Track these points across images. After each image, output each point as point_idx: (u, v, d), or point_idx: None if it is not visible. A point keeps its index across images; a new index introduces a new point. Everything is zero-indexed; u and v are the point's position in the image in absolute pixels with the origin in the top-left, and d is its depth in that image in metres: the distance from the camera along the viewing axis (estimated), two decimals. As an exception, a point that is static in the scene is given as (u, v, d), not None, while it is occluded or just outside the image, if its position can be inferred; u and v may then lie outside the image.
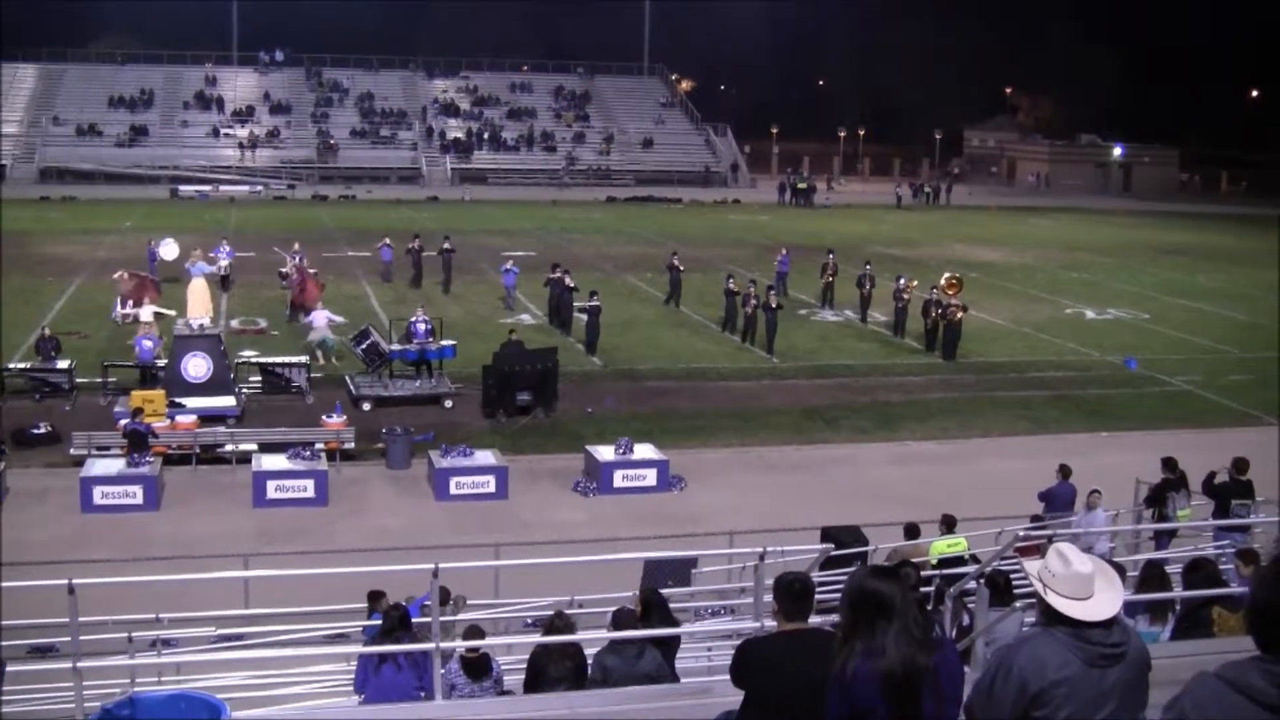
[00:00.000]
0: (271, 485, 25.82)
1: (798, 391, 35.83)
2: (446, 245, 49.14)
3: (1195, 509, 21.42)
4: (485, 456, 27.24)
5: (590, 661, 11.54)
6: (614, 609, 12.59)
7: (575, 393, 33.74)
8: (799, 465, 29.62)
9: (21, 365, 33.42)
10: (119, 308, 40.72)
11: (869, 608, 5.85)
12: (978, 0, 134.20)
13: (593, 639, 12.87)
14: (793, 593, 7.41)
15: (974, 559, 17.90)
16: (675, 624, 13.45)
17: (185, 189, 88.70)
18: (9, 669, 9.50)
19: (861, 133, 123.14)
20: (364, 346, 33.68)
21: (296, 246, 45.80)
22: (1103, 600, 5.65)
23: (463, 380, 33.76)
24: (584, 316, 38.64)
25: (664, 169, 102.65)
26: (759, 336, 39.68)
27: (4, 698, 8.29)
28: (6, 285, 48.33)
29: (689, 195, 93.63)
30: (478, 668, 11.68)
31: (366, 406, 32.06)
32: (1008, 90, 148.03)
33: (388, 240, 51.85)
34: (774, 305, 38.89)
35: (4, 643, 14.37)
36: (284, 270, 44.02)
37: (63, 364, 32.88)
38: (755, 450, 30.60)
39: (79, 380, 32.97)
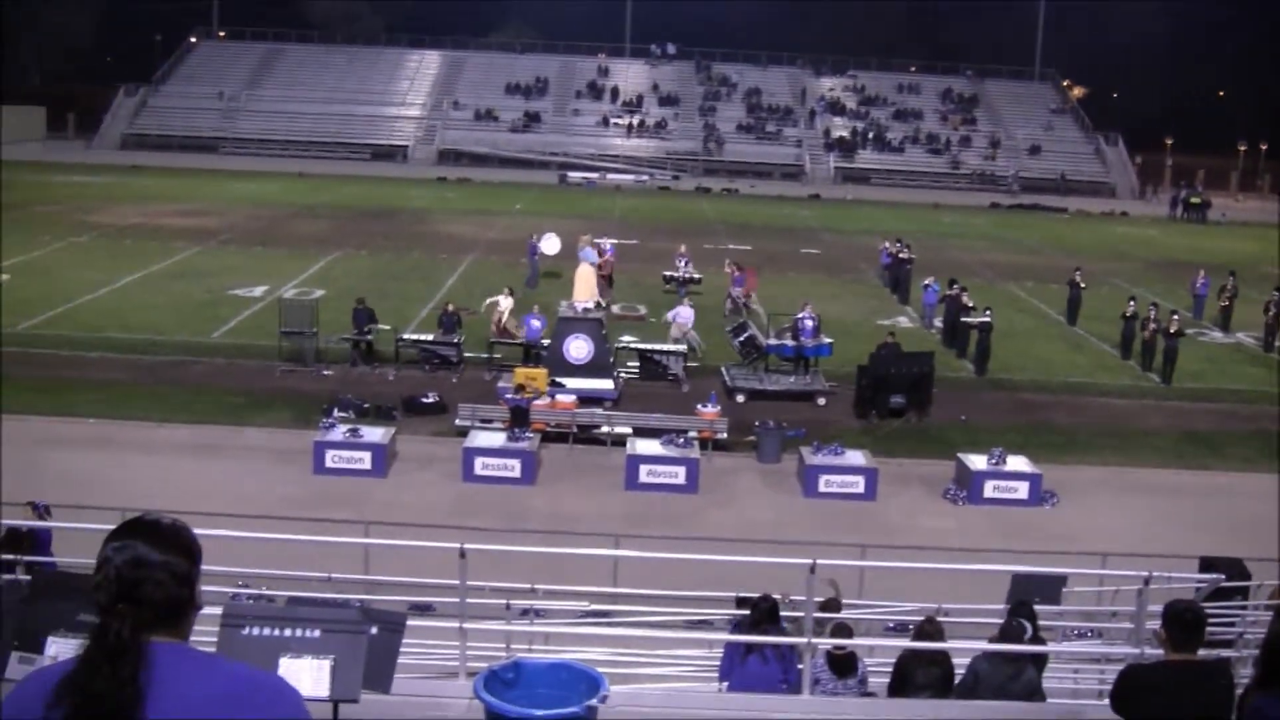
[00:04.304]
0: (644, 469, 26.26)
1: (1180, 414, 34.37)
2: (904, 254, 49.12)
3: None
4: (856, 457, 27.07)
5: (966, 667, 11.36)
6: (1003, 621, 12.35)
7: (949, 398, 33.26)
8: (1178, 490, 28.40)
9: (414, 337, 34.95)
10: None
11: None
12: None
13: (959, 649, 12.69)
14: (1184, 622, 7.16)
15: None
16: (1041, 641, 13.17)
17: (573, 175, 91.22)
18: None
19: (1263, 147, 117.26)
20: (741, 339, 33.96)
21: (683, 249, 46.30)
22: None
23: (837, 379, 33.66)
24: (974, 333, 37.73)
25: (1051, 176, 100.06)
26: (1156, 363, 37.70)
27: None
28: (407, 260, 50.71)
29: (1075, 205, 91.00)
30: (844, 665, 11.62)
31: (740, 398, 32.30)
32: None
33: (886, 244, 52.06)
34: (1173, 331, 36.85)
35: (389, 598, 15.11)
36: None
37: (453, 339, 34.20)
38: (1132, 471, 29.49)
39: (466, 354, 34.30)
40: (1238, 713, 6.74)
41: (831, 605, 15.00)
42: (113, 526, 3.82)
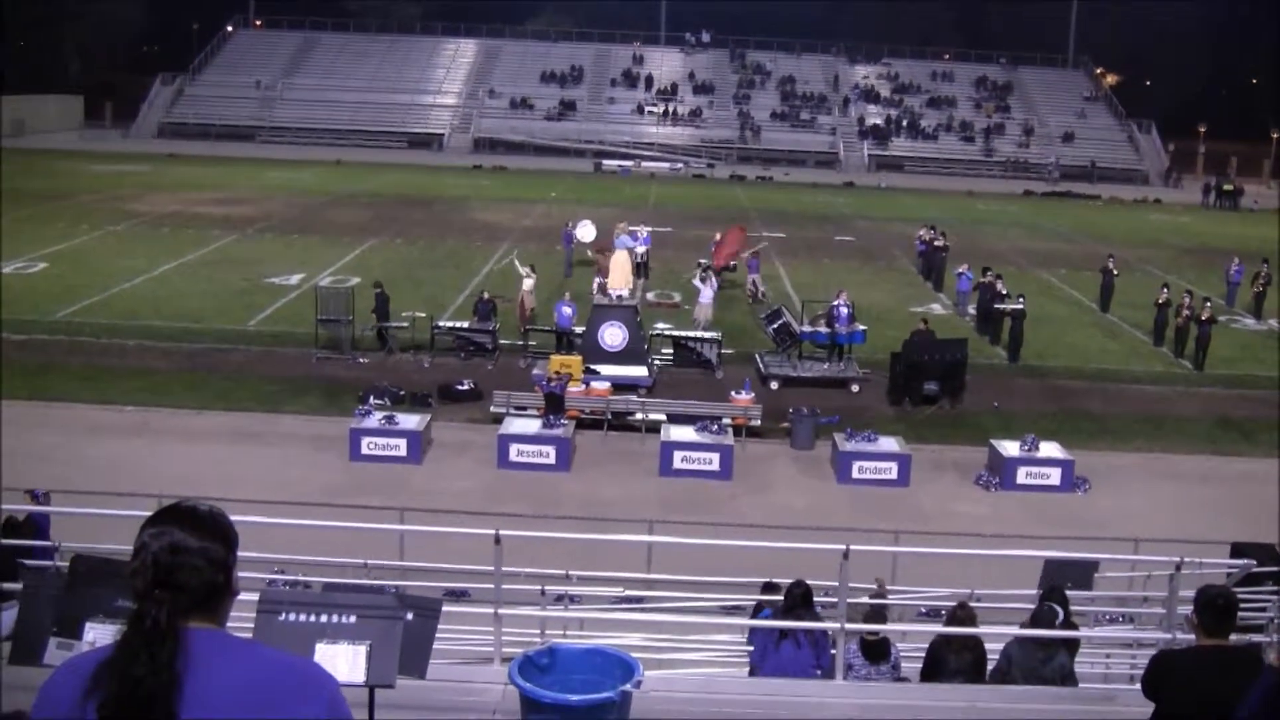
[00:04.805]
0: (678, 456, 26.27)
1: (1213, 400, 34.17)
2: (938, 242, 49.05)
3: None
4: (889, 443, 27.04)
5: (1000, 652, 11.36)
6: (1035, 606, 12.34)
7: (982, 385, 33.15)
8: (1209, 477, 28.25)
9: (450, 324, 35.00)
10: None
11: None
12: None
13: (992, 634, 12.67)
14: (1216, 608, 7.15)
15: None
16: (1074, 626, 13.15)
17: (608, 163, 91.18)
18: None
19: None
20: (775, 326, 33.94)
21: (718, 236, 46.08)
22: None
23: (871, 366, 33.63)
24: (1007, 320, 37.51)
25: (1084, 164, 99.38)
26: (1188, 350, 37.49)
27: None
28: (442, 248, 50.81)
29: (1108, 192, 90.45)
30: (877, 651, 11.62)
31: (774, 385, 32.30)
32: None
33: (922, 232, 51.97)
34: (1205, 318, 36.62)
35: (425, 584, 15.18)
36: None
37: (488, 326, 34.22)
38: (1164, 458, 29.39)
39: (501, 342, 34.35)
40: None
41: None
42: (150, 513, 3.85)
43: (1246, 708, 6.07)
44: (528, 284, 35.17)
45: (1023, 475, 26.62)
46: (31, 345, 33.38)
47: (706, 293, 36.36)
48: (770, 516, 22.79)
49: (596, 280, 37.88)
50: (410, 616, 7.12)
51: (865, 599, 14.77)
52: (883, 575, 17.61)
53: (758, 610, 14.57)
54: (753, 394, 29.25)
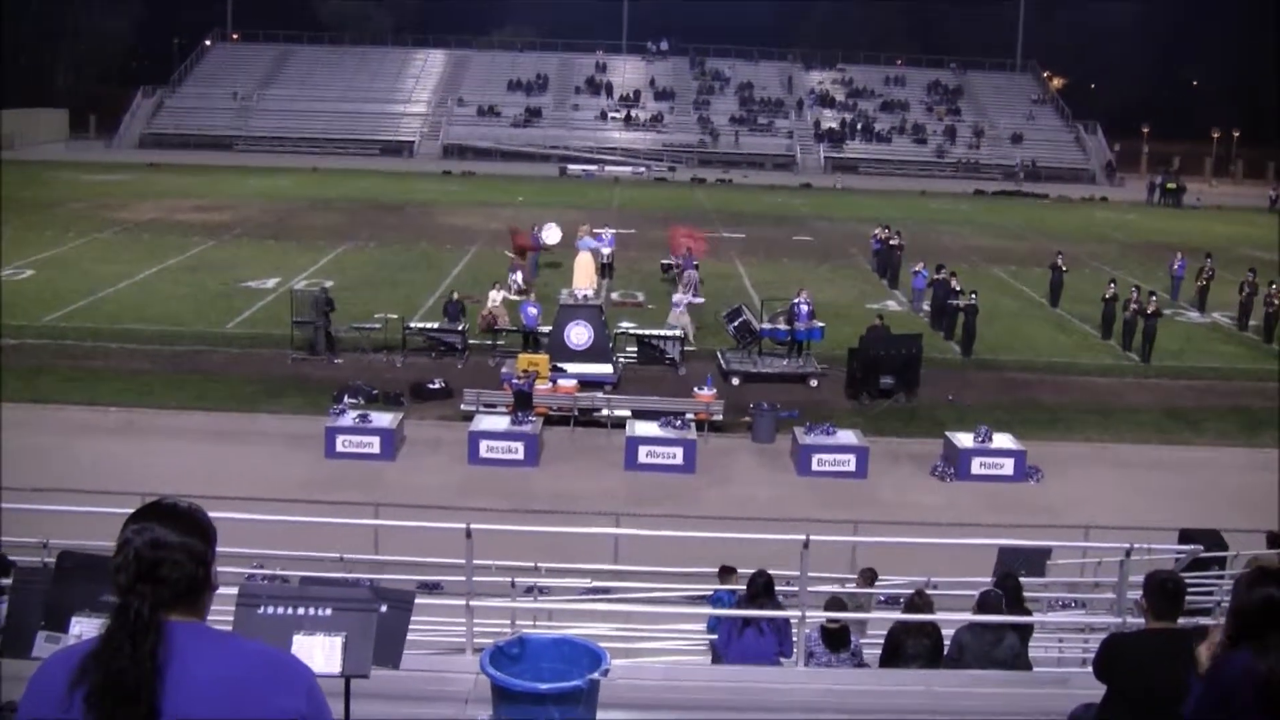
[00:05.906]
0: (643, 450, 26.30)
1: (1160, 391, 34.39)
2: (893, 241, 49.03)
3: None
4: (847, 436, 27.11)
5: (951, 639, 11.40)
6: (981, 591, 12.38)
7: (937, 379, 33.22)
8: (1158, 465, 28.41)
9: (421, 325, 34.92)
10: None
11: (1262, 615, 5.39)
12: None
13: (949, 619, 12.71)
14: (1165, 592, 7.18)
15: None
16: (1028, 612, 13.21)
17: (573, 168, 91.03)
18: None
19: (1235, 134, 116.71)
20: (736, 324, 33.99)
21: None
22: None
23: (829, 361, 33.67)
24: (961, 316, 37.57)
25: (1031, 164, 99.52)
26: (1135, 342, 37.65)
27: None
28: (414, 251, 50.70)
29: (1056, 191, 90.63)
30: (838, 639, 11.64)
31: (735, 381, 32.30)
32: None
33: (877, 231, 52.00)
34: (1151, 311, 36.75)
35: (399, 577, 15.17)
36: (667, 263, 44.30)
37: (458, 326, 34.16)
38: (1114, 447, 29.52)
39: (471, 341, 34.29)
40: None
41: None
42: (133, 510, 3.85)
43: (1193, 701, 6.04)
44: (495, 296, 34.88)
45: (977, 466, 26.74)
46: (22, 350, 33.25)
47: (679, 298, 36.34)
48: (733, 508, 22.78)
49: (512, 279, 37.84)
50: (384, 609, 7.11)
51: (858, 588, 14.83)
52: (841, 563, 17.71)
53: (714, 598, 14.62)
54: (715, 390, 29.21)
